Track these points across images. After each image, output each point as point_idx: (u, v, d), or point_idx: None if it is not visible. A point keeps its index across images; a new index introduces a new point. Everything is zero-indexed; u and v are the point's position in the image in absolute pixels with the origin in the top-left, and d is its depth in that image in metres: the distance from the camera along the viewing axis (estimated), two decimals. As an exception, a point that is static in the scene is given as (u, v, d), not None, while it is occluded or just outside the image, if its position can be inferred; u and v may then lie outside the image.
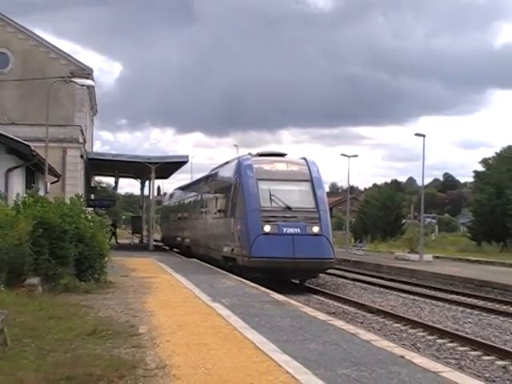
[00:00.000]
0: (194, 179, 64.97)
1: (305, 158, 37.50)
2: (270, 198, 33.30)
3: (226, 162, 45.47)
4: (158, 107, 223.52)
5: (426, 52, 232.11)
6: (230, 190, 37.20)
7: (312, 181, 34.90)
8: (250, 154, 39.85)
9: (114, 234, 76.79)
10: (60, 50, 63.12)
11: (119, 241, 71.43)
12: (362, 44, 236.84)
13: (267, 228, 32.03)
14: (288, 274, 33.74)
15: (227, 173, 40.19)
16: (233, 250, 35.42)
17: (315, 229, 32.53)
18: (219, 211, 40.71)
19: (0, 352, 12.41)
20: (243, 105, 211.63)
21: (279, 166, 36.15)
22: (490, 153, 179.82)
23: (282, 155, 38.96)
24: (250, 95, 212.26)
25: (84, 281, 25.33)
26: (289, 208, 33.16)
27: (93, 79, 61.42)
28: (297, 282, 34.73)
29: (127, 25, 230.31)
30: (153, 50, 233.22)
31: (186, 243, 57.50)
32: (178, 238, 63.73)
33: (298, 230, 32.23)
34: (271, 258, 31.20)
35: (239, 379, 11.21)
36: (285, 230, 32.06)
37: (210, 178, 48.25)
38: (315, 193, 34.43)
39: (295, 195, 34.51)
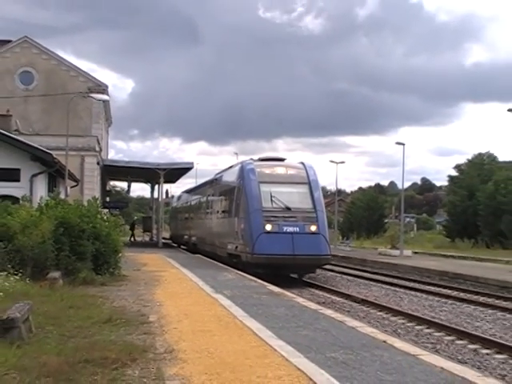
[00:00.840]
0: (199, 183, 63.84)
1: (303, 163, 37.06)
2: (271, 200, 32.94)
3: (230, 167, 45.02)
4: (166, 119, 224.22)
5: (405, 70, 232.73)
6: (234, 192, 36.67)
7: (310, 183, 34.51)
8: (251, 159, 39.32)
9: (133, 233, 77.26)
10: (79, 68, 63.23)
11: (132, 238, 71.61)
12: (347, 62, 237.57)
13: (269, 227, 31.72)
14: (288, 270, 33.37)
15: (231, 176, 39.61)
16: (237, 247, 34.95)
17: (313, 228, 32.24)
18: (224, 211, 40.34)
19: (26, 338, 12.44)
20: (242, 116, 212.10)
21: (279, 170, 35.73)
22: (462, 159, 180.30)
23: (282, 160, 38.57)
24: (249, 108, 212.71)
25: (100, 274, 25.50)
26: (288, 208, 32.80)
27: (108, 94, 61.43)
28: (295, 276, 34.24)
29: (138, 46, 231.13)
30: (161, 68, 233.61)
31: (193, 241, 57.00)
32: (186, 236, 63.20)
33: (297, 228, 31.94)
34: (273, 254, 30.89)
35: (239, 362, 11.26)
36: (285, 228, 31.75)
37: (215, 182, 47.37)
38: (312, 194, 34.02)
39: (294, 197, 33.98)
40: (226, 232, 38.82)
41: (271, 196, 32.92)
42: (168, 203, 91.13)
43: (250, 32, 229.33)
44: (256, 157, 41.95)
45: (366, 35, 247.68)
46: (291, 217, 32.44)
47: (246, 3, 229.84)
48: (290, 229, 31.76)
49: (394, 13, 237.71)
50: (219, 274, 30.64)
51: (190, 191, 68.28)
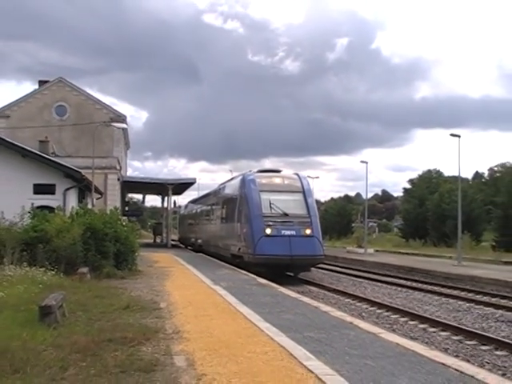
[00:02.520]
0: (203, 193, 62.07)
1: (297, 174, 35.40)
2: (270, 206, 31.36)
3: (232, 179, 43.33)
4: (174, 143, 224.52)
5: (367, 102, 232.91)
6: (236, 200, 34.99)
7: (304, 192, 32.86)
8: (250, 170, 37.14)
9: (156, 235, 77.17)
10: (103, 102, 63.13)
11: (146, 240, 71.31)
12: (320, 96, 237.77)
13: (268, 231, 30.16)
14: (286, 269, 31.69)
15: (234, 186, 37.72)
16: (240, 249, 33.25)
17: (308, 231, 30.64)
18: (227, 217, 38.40)
19: (60, 321, 12.44)
20: (236, 140, 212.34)
21: (277, 180, 34.10)
22: (414, 175, 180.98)
23: (278, 171, 36.31)
24: (241, 133, 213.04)
25: (120, 270, 25.53)
26: (286, 214, 31.14)
27: (126, 123, 61.30)
28: (291, 274, 32.53)
29: (150, 84, 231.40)
30: (169, 102, 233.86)
31: (199, 243, 54.88)
32: (192, 239, 61.28)
33: (294, 232, 30.35)
34: (272, 255, 29.36)
35: (232, 340, 11.27)
36: (283, 232, 30.24)
37: (219, 191, 45.06)
38: (307, 201, 32.34)
39: (290, 204, 32.24)
40: (229, 235, 37.11)
41: (270, 203, 31.49)
42: (175, 211, 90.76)
43: (241, 72, 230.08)
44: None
45: (336, 75, 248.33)
46: (288, 221, 30.84)
47: (237, 49, 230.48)
48: (288, 232, 30.29)
49: (358, 57, 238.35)
50: (217, 270, 30.69)
51: (195, 201, 66.56)
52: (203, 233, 53.02)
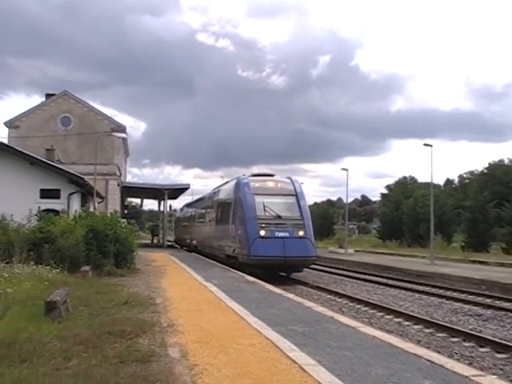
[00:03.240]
0: (198, 197, 60.09)
1: (289, 178, 33.91)
2: (264, 209, 30.00)
3: (226, 183, 41.64)
4: (170, 151, 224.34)
5: (347, 114, 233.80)
6: (231, 202, 33.52)
7: (297, 195, 31.44)
8: (244, 174, 35.65)
9: (153, 236, 76.96)
10: (104, 114, 63.18)
11: (144, 241, 71.11)
12: (305, 109, 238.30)
13: (262, 232, 28.84)
14: (279, 269, 30.22)
15: (228, 190, 36.10)
16: (234, 250, 31.71)
17: (301, 233, 29.28)
18: (222, 219, 36.34)
19: (64, 315, 12.43)
20: (227, 149, 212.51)
21: (270, 184, 32.47)
22: (391, 181, 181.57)
23: (271, 175, 34.82)
24: (232, 142, 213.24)
25: (120, 268, 25.49)
26: (279, 217, 29.79)
27: (126, 133, 61.60)
28: (284, 274, 31.29)
29: (148, 97, 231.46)
30: (166, 114, 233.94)
31: (194, 244, 52.84)
32: (188, 240, 59.13)
33: (287, 234, 29.02)
34: (266, 256, 27.98)
35: (223, 333, 11.26)
36: (276, 234, 28.89)
37: (214, 195, 42.90)
38: (299, 204, 30.97)
39: (284, 206, 30.88)
40: (224, 236, 35.31)
41: (264, 206, 30.14)
42: (171, 214, 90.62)
43: (231, 86, 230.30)
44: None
45: (318, 89, 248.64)
46: (282, 224, 29.49)
47: (228, 65, 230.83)
48: (281, 234, 28.99)
49: (338, 73, 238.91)
50: (209, 268, 30.61)
51: (191, 204, 64.69)
52: (198, 234, 51.20)
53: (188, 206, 67.05)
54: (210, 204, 43.31)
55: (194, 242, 53.04)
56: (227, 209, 34.65)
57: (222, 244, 35.75)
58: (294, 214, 30.39)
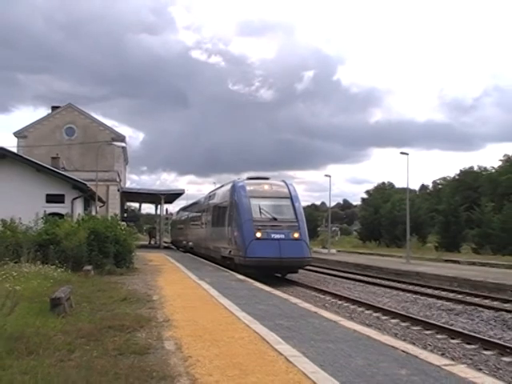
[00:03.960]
0: (194, 200, 58.76)
1: (284, 181, 32.18)
2: (260, 211, 28.55)
3: (221, 186, 39.33)
4: (166, 159, 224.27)
5: (330, 125, 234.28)
6: (227, 205, 31.95)
7: (291, 198, 29.78)
8: (239, 178, 34.15)
9: (151, 237, 76.67)
10: (105, 124, 63.38)
11: (142, 242, 70.75)
12: (291, 120, 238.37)
13: (259, 234, 27.38)
14: (275, 270, 29.09)
15: (224, 193, 34.38)
16: (230, 251, 30.15)
17: (296, 235, 27.75)
18: (218, 221, 34.76)
19: (68, 311, 12.42)
20: (219, 157, 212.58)
21: (265, 187, 30.81)
22: (370, 186, 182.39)
23: (266, 178, 32.96)
24: (223, 151, 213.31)
25: (120, 267, 25.43)
26: (275, 219, 28.29)
27: (125, 142, 61.98)
28: (279, 275, 30.17)
29: (145, 109, 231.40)
30: (162, 124, 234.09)
31: (190, 245, 51.35)
32: (184, 242, 57.20)
33: (283, 235, 27.49)
34: (262, 257, 26.68)
35: (215, 327, 11.26)
36: (272, 235, 27.44)
37: (210, 198, 41.37)
38: (294, 207, 29.32)
39: (279, 209, 29.30)
40: (220, 238, 33.69)
41: (260, 208, 28.70)
42: (167, 218, 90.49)
43: (223, 99, 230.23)
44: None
45: (303, 102, 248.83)
46: (277, 226, 28.03)
47: (219, 80, 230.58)
48: (277, 236, 27.48)
49: (322, 87, 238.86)
50: (202, 267, 30.52)
51: (187, 207, 62.78)
52: (194, 236, 49.19)
53: (184, 209, 65.67)
54: (206, 207, 41.69)
55: (190, 243, 51.62)
56: (223, 211, 33.33)
57: (218, 245, 34.39)
58: (289, 217, 28.96)
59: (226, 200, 32.59)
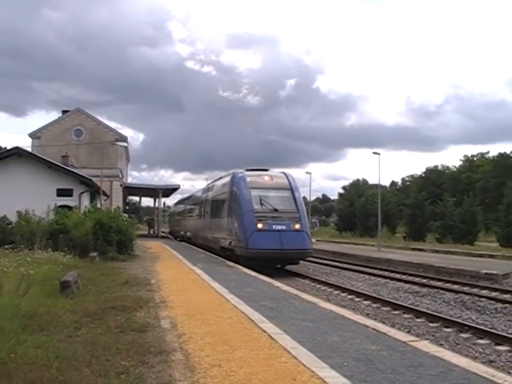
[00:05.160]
0: (191, 193, 57.01)
1: (283, 172, 29.41)
2: (261, 203, 26.03)
3: (220, 178, 35.80)
4: (164, 158, 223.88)
5: (310, 128, 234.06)
6: (227, 196, 29.18)
7: (292, 189, 27.24)
8: (237, 170, 30.73)
9: (150, 227, 76.33)
10: (110, 127, 62.89)
11: (142, 232, 70.37)
12: (275, 123, 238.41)
13: (260, 225, 24.94)
14: (276, 262, 26.38)
15: (224, 184, 31.20)
16: (231, 242, 27.45)
17: (297, 226, 25.42)
18: (218, 212, 31.90)
19: (75, 293, 12.42)
20: (211, 156, 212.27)
21: (265, 178, 27.95)
22: (346, 183, 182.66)
23: (266, 170, 29.99)
24: (215, 150, 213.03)
25: (122, 254, 25.42)
26: (276, 210, 25.79)
27: (127, 143, 61.41)
28: (278, 266, 27.37)
29: (145, 113, 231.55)
30: (160, 127, 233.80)
31: (188, 235, 48.55)
32: (181, 232, 54.56)
33: (284, 227, 25.15)
34: (264, 249, 24.26)
35: (206, 308, 11.27)
36: (274, 227, 25.04)
37: (208, 190, 38.02)
38: (295, 198, 26.89)
39: (279, 200, 26.71)
40: (219, 229, 30.91)
41: (260, 199, 26.19)
42: (165, 210, 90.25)
43: (214, 104, 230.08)
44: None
45: (286, 107, 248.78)
46: (278, 217, 25.58)
47: (211, 87, 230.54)
48: (278, 227, 25.09)
49: (302, 94, 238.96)
50: (196, 254, 30.51)
51: (184, 199, 59.76)
52: (192, 226, 46.19)
53: (182, 200, 62.96)
54: (205, 198, 38.46)
55: (188, 233, 49.04)
56: (223, 202, 30.58)
57: (217, 236, 31.32)
58: (290, 208, 26.43)
59: (226, 191, 29.83)
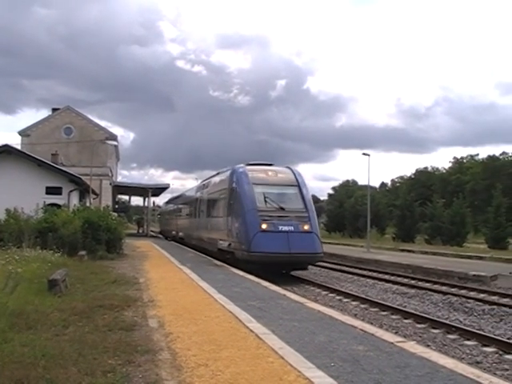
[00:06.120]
0: (182, 191, 55.83)
1: (289, 167, 26.59)
2: (265, 200, 23.21)
3: (217, 174, 32.60)
4: (153, 157, 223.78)
5: (301, 128, 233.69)
6: (225, 193, 26.25)
7: (299, 185, 24.43)
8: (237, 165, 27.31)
9: (139, 226, 76.22)
10: (100, 125, 63.00)
11: (131, 231, 70.19)
12: (265, 123, 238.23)
13: (264, 226, 22.13)
14: (283, 267, 23.50)
15: (222, 180, 28.33)
16: (230, 244, 24.57)
17: (306, 226, 22.63)
18: (215, 211, 29.15)
19: (64, 291, 12.43)
20: (201, 155, 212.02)
21: (269, 173, 24.97)
22: (336, 183, 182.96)
23: (270, 164, 26.92)
24: (205, 150, 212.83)
25: (110, 253, 25.43)
26: (282, 208, 22.97)
27: (117, 141, 61.63)
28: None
29: (136, 112, 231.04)
30: (150, 126, 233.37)
31: (180, 235, 45.41)
32: (173, 232, 51.76)
33: (292, 227, 22.28)
34: (269, 252, 21.48)
35: (194, 307, 11.26)
36: (280, 227, 22.16)
37: (203, 187, 35.11)
38: (303, 195, 24.03)
39: (286, 197, 24.02)
40: (216, 229, 28.01)
41: (265, 197, 23.41)
42: (154, 209, 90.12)
43: (204, 104, 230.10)
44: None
45: (276, 107, 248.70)
46: (285, 216, 22.73)
47: (201, 87, 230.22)
48: (285, 228, 22.22)
49: (293, 94, 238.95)
50: (184, 253, 30.46)
51: (176, 197, 56.46)
52: (185, 226, 42.90)
53: (174, 198, 59.27)
54: (200, 196, 35.38)
55: (181, 233, 45.77)
56: (221, 200, 27.66)
57: (214, 237, 28.40)
58: (298, 206, 23.64)
59: (225, 188, 26.92)
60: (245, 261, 22.53)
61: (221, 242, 26.38)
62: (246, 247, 22.35)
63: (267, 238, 21.94)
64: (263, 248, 21.65)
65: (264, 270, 21.60)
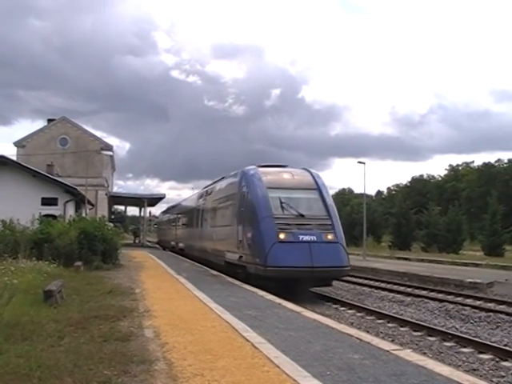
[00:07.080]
0: (180, 200, 53.01)
1: (306, 169, 23.22)
2: (282, 206, 19.95)
3: (222, 178, 28.88)
4: (149, 167, 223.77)
5: (296, 137, 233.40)
6: (235, 199, 22.95)
7: (319, 189, 21.28)
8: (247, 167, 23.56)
9: (135, 236, 76.13)
10: (95, 135, 63.29)
11: (127, 241, 70.02)
12: (260, 132, 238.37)
13: (282, 235, 18.89)
14: (305, 283, 19.70)
15: (230, 185, 25.05)
16: (241, 257, 21.13)
17: (330, 236, 19.54)
18: (222, 219, 25.65)
19: (59, 302, 12.38)
20: (197, 165, 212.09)
21: (285, 175, 21.77)
22: (332, 192, 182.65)
23: (284, 166, 23.69)
24: (201, 160, 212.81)
25: (106, 263, 25.25)
26: (302, 215, 19.75)
27: (113, 152, 61.59)
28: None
29: (131, 122, 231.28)
30: (146, 136, 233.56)
31: (180, 247, 42.19)
32: (172, 242, 48.44)
33: (314, 237, 19.03)
34: (289, 267, 18.31)
35: (190, 317, 11.22)
36: (301, 237, 18.92)
37: (206, 193, 31.65)
38: (324, 200, 20.86)
39: (305, 203, 20.76)
40: (223, 240, 24.78)
41: (281, 202, 20.11)
42: (150, 219, 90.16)
43: (199, 114, 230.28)
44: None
45: (271, 116, 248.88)
46: (305, 224, 19.49)
47: (196, 96, 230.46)
48: (307, 237, 18.95)
49: (288, 104, 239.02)
50: (180, 263, 30.28)
51: (174, 206, 53.39)
52: (186, 236, 39.74)
53: (172, 207, 56.21)
54: (202, 203, 32.47)
55: (181, 244, 42.60)
56: (229, 207, 24.32)
57: (221, 249, 25.25)
58: (320, 213, 20.47)
59: (234, 193, 23.66)
60: (259, 276, 19.43)
61: (229, 254, 23.35)
62: (260, 261, 19.18)
63: (286, 250, 18.86)
64: (281, 261, 18.59)
65: (282, 287, 18.76)
